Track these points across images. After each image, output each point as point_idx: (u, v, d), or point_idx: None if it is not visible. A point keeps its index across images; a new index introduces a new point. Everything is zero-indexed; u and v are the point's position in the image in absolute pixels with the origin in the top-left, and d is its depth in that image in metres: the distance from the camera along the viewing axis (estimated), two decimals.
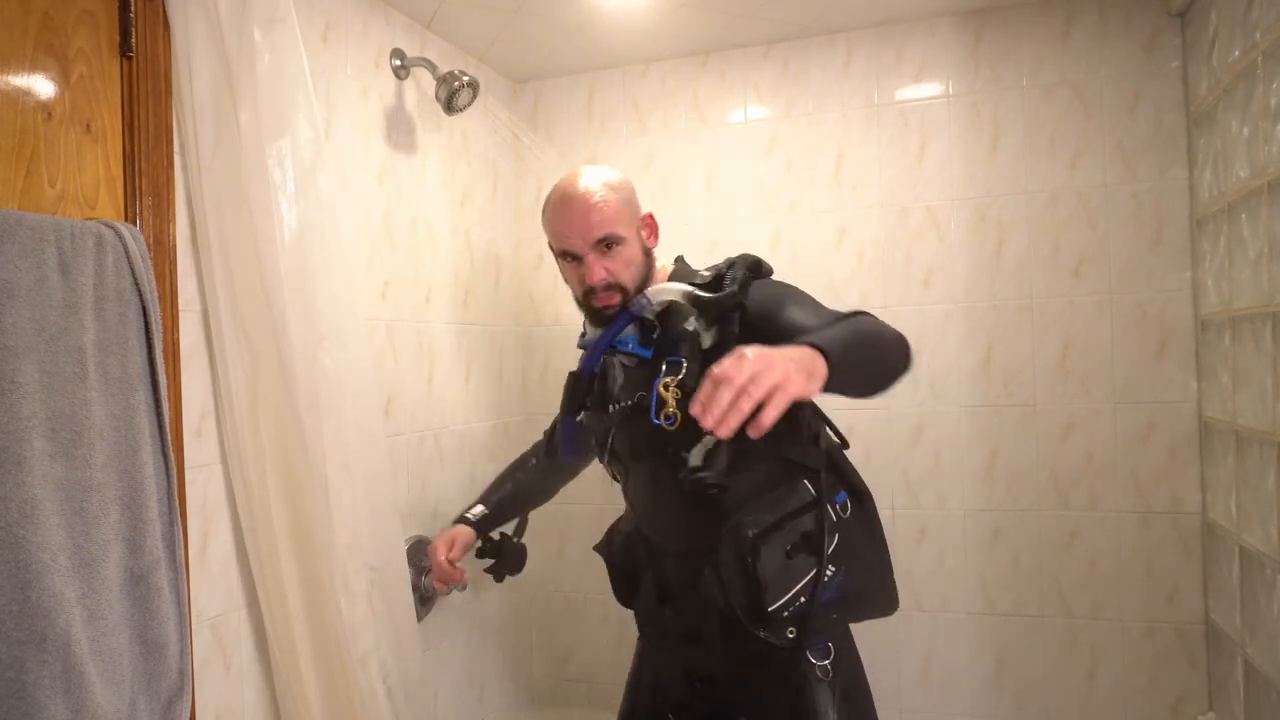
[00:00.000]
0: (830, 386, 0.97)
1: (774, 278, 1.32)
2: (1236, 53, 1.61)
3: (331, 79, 1.73)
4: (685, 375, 1.20)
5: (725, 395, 0.87)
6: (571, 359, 2.42)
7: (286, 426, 1.39)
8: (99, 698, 1.05)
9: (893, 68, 2.13)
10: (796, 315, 1.20)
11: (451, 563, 1.64)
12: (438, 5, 1.93)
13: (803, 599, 1.21)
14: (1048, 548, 2.03)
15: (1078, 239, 2.00)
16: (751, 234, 2.24)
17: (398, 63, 1.92)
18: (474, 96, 1.92)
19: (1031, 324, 2.03)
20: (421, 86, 2.02)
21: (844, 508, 1.30)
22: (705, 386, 0.90)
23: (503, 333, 2.38)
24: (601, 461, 1.48)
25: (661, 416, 1.20)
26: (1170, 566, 1.94)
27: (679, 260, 1.44)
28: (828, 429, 1.40)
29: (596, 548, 1.52)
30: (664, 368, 1.23)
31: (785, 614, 1.21)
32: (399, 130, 1.95)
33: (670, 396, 1.20)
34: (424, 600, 1.91)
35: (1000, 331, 2.06)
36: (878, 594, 1.32)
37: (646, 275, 1.35)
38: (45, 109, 1.16)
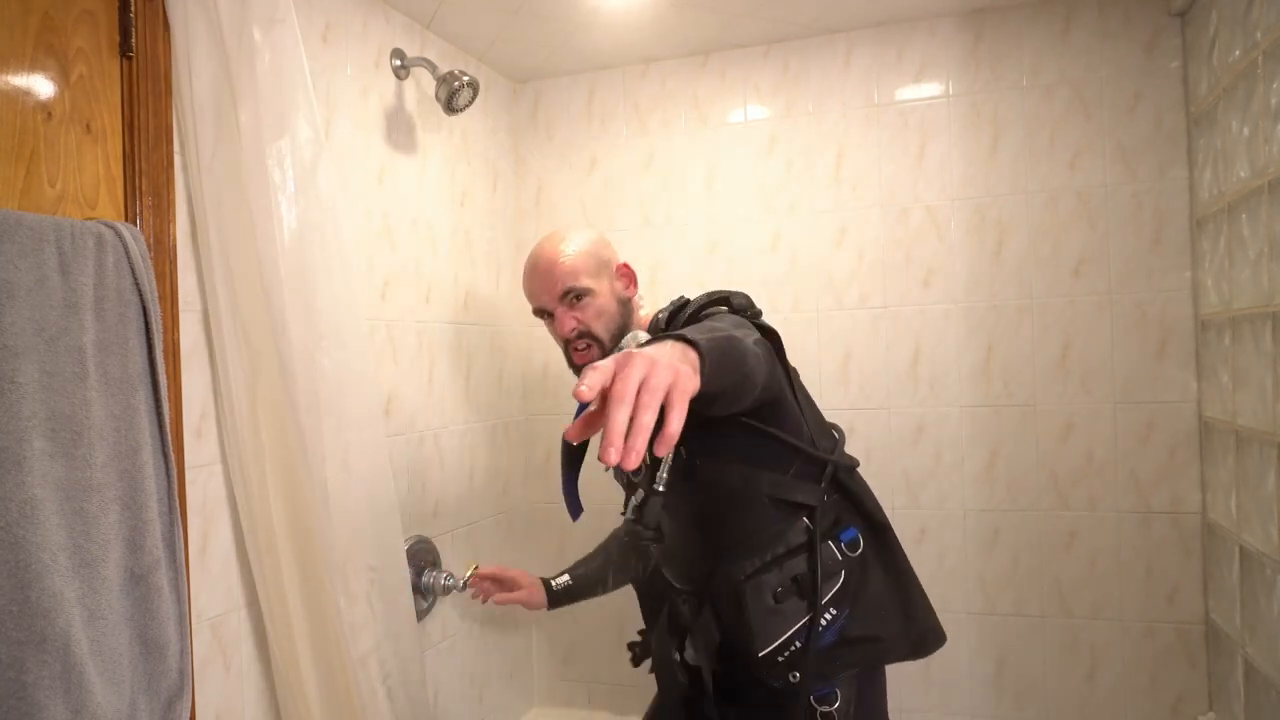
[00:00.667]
0: (705, 384, 0.81)
1: (757, 316, 1.25)
2: (1237, 52, 1.61)
3: (331, 79, 1.73)
4: None
5: (619, 415, 0.67)
6: None
7: (286, 427, 1.39)
8: (99, 698, 1.05)
9: (893, 68, 2.13)
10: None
11: (491, 592, 1.74)
12: (438, 5, 1.93)
13: (798, 643, 1.14)
14: (1048, 548, 2.03)
15: (1078, 239, 2.00)
16: (751, 234, 2.24)
17: (398, 63, 1.92)
18: (474, 96, 1.92)
19: (1031, 324, 2.03)
20: (421, 86, 2.02)
21: (853, 545, 1.21)
22: (585, 414, 0.74)
23: (503, 333, 2.38)
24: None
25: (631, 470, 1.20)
26: (1170, 566, 1.94)
27: (672, 303, 1.35)
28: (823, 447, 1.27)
29: (633, 581, 1.54)
30: None
31: (781, 659, 1.15)
32: (399, 130, 1.95)
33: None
34: (424, 600, 1.91)
35: (1000, 331, 2.06)
36: (897, 636, 1.21)
37: (624, 324, 1.36)
38: (45, 109, 1.16)
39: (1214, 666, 1.88)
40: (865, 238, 2.15)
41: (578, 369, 1.38)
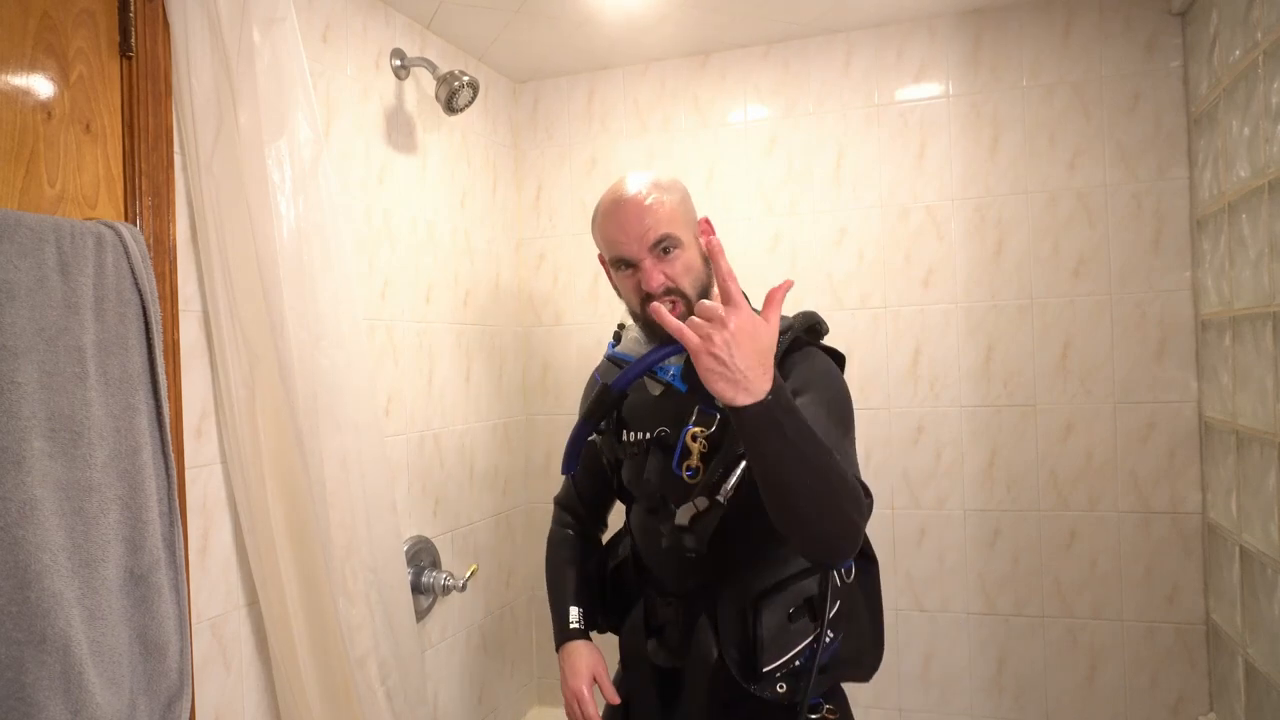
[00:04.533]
0: (758, 431, 0.91)
1: (825, 341, 1.25)
2: (1237, 52, 1.61)
3: (331, 79, 1.74)
4: (716, 429, 1.15)
5: (704, 331, 0.93)
6: (571, 359, 2.43)
7: (284, 427, 1.39)
8: (98, 698, 1.05)
9: (893, 68, 2.13)
10: (812, 411, 1.10)
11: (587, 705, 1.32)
12: (438, 5, 1.93)
13: (798, 662, 1.18)
14: (1048, 548, 2.03)
15: (1078, 239, 2.00)
16: (751, 234, 2.24)
17: (398, 63, 1.92)
18: (474, 96, 1.92)
19: (1031, 324, 2.03)
20: (421, 86, 2.02)
21: (849, 572, 1.25)
22: (702, 312, 0.96)
23: (503, 333, 2.38)
24: (611, 483, 1.41)
25: (683, 468, 1.15)
26: (1170, 566, 1.94)
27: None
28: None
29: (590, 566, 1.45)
30: (694, 415, 1.16)
31: (779, 674, 1.18)
32: (399, 130, 1.95)
33: (696, 448, 1.14)
34: (424, 600, 1.91)
35: (1000, 331, 2.06)
36: (865, 661, 1.27)
37: (706, 285, 1.22)
38: (45, 109, 1.16)
39: (1214, 666, 1.88)
40: (865, 238, 2.15)
41: (656, 326, 1.17)
